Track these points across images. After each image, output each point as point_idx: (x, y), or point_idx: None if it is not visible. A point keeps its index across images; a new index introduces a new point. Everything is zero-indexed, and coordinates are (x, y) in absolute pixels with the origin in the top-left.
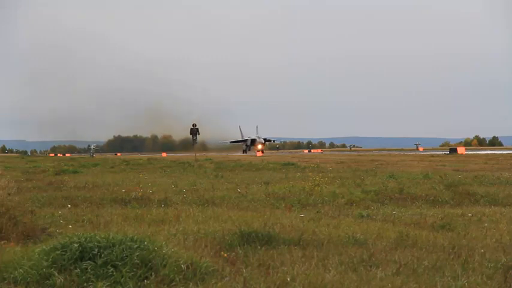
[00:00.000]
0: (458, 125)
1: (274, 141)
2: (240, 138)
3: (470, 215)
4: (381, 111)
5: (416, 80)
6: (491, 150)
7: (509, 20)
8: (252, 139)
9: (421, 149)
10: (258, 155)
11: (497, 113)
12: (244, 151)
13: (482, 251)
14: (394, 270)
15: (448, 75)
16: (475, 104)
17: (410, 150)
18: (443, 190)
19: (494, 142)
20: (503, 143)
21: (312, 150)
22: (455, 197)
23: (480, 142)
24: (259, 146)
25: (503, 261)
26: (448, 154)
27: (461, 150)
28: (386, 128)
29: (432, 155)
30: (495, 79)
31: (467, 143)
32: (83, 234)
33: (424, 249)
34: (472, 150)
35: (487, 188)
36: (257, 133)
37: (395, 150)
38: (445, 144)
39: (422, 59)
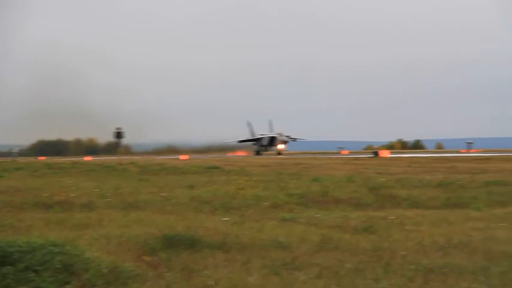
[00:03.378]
0: (382, 128)
1: (296, 139)
2: (251, 137)
3: (392, 217)
4: (307, 115)
5: (343, 86)
6: (414, 153)
7: (435, 28)
8: (270, 137)
9: (344, 152)
10: (279, 155)
11: (420, 117)
12: (258, 152)
13: (404, 253)
14: (317, 273)
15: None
16: (399, 109)
17: (333, 153)
18: (367, 193)
19: (417, 145)
20: (427, 146)
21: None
22: (378, 199)
23: (403, 145)
24: (281, 146)
25: (424, 263)
26: (371, 157)
27: (384, 153)
28: (312, 132)
29: (356, 158)
30: (420, 86)
31: (390, 147)
32: (3, 239)
33: (346, 252)
34: (396, 153)
35: (410, 190)
36: (271, 130)
37: (320, 153)
38: (368, 148)
39: (352, 67)
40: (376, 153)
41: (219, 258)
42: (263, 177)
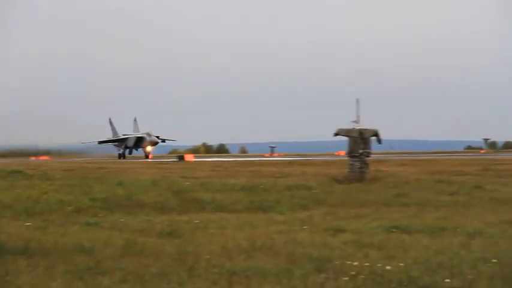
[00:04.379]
0: (187, 132)
1: (164, 140)
2: (113, 137)
3: (197, 221)
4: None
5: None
6: (218, 157)
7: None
8: (137, 137)
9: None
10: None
11: (223, 121)
12: (122, 155)
13: (208, 257)
14: (121, 278)
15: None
16: (203, 112)
17: (139, 157)
18: (171, 197)
19: (221, 149)
20: (231, 150)
21: None
22: (182, 203)
23: (208, 149)
24: (150, 148)
25: (228, 266)
26: (176, 161)
27: (189, 157)
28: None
29: (161, 163)
30: (218, 90)
31: (195, 150)
32: None
33: (151, 256)
34: (200, 157)
35: (214, 194)
36: (136, 127)
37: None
38: (173, 152)
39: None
40: (181, 157)
41: (22, 264)
42: (67, 181)
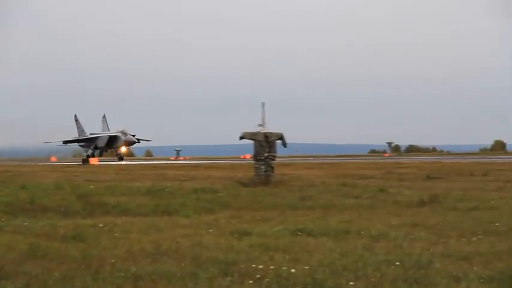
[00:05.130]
0: None
1: (139, 140)
2: (80, 136)
3: (101, 225)
4: None
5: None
6: (123, 160)
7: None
8: (110, 137)
9: (52, 159)
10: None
11: (130, 124)
12: (89, 157)
13: (113, 261)
14: (25, 282)
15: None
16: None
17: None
18: (75, 201)
19: (127, 153)
20: (137, 153)
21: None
22: (87, 207)
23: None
24: (124, 148)
25: (133, 270)
26: (81, 165)
27: (94, 160)
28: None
29: (66, 166)
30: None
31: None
32: None
33: (55, 261)
34: (105, 160)
35: (119, 198)
36: (105, 125)
37: (29, 160)
38: (78, 155)
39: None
40: (86, 161)
41: None
42: None
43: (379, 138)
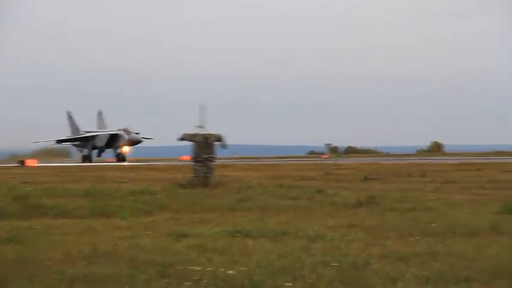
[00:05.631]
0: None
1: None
2: (73, 134)
3: (39, 227)
4: None
5: None
6: (61, 162)
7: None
8: (111, 135)
9: None
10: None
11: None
12: (88, 158)
13: (49, 263)
14: None
15: None
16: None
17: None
18: (12, 202)
19: (65, 154)
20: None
21: None
22: (23, 209)
23: (50, 153)
24: (127, 148)
25: (69, 273)
26: (18, 166)
27: (31, 162)
28: None
29: (3, 168)
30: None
31: (36, 156)
32: None
33: None
34: (43, 162)
35: (56, 200)
36: (101, 122)
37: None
38: (14, 157)
39: None
40: (22, 162)
41: None
42: None
43: (317, 140)
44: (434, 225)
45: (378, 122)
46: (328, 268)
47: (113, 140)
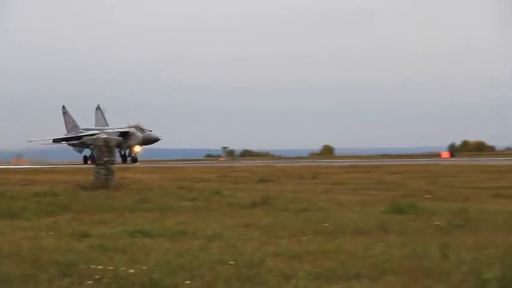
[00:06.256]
0: None
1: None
2: (71, 132)
3: None
4: None
5: None
6: None
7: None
8: (122, 132)
9: None
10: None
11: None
12: (90, 158)
13: None
14: None
15: None
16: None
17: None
18: None
19: None
20: None
21: None
22: None
23: None
24: (138, 148)
25: None
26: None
27: None
28: None
29: None
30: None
31: None
32: None
33: None
34: None
35: None
36: (100, 117)
37: None
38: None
39: None
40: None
41: None
42: None
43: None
44: (325, 224)
45: (273, 126)
46: (226, 266)
47: (123, 139)
